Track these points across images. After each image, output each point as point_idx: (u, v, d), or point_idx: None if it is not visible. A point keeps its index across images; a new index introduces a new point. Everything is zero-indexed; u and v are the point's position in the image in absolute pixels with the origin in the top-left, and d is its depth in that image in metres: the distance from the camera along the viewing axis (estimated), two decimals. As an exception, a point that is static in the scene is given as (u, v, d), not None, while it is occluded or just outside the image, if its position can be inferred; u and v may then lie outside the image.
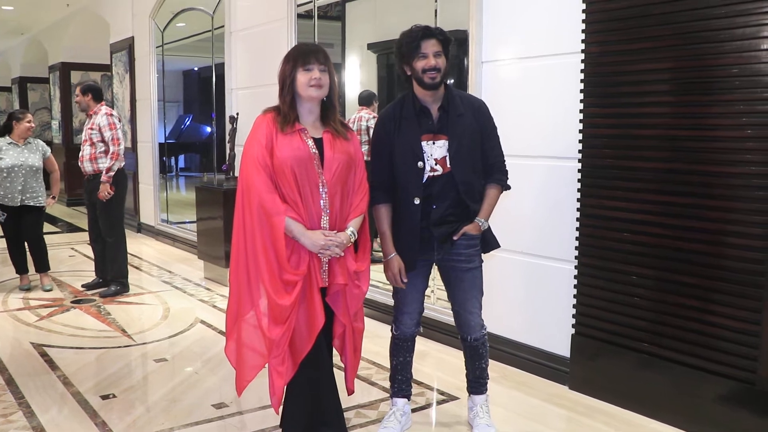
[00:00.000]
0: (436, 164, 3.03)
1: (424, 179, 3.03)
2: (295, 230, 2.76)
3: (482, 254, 3.19)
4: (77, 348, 4.57)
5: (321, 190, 2.81)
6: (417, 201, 3.03)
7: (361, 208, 2.94)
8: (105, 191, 5.71)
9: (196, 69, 13.88)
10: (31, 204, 5.87)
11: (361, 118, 5.71)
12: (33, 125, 5.99)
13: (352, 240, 2.89)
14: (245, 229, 2.81)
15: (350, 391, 3.17)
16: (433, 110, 3.04)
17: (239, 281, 2.85)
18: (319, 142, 2.84)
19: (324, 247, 2.78)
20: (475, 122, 3.07)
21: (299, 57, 2.85)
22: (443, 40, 2.98)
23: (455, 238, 3.06)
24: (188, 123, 14.80)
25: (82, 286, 6.14)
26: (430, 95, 3.02)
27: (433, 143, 3.03)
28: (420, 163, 3.02)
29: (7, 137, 5.90)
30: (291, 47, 3.25)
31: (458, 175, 3.02)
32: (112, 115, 5.83)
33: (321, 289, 2.85)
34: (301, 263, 2.79)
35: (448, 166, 3.02)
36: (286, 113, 2.83)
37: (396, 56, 3.06)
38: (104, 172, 5.71)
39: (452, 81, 4.51)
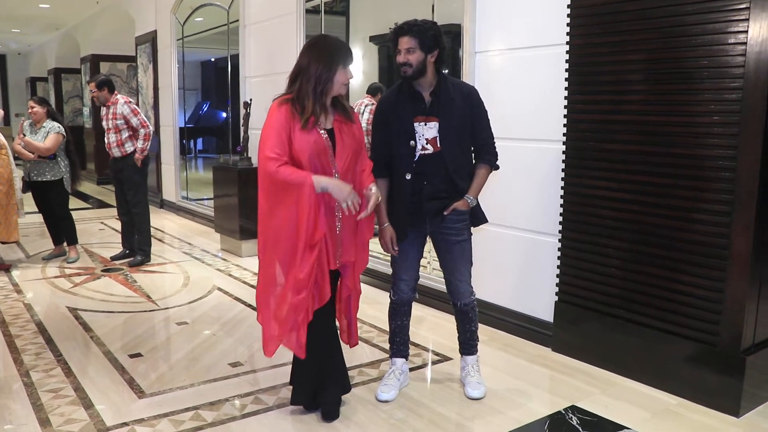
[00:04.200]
0: (427, 144, 3.03)
1: (416, 157, 3.04)
2: (323, 181, 2.66)
3: (471, 228, 3.20)
4: (107, 312, 4.59)
5: (334, 176, 2.76)
6: (408, 176, 3.04)
7: (371, 178, 2.92)
8: (139, 163, 5.85)
9: (213, 59, 13.79)
10: (38, 180, 5.84)
11: (362, 103, 5.72)
12: (32, 110, 5.83)
13: (379, 198, 2.87)
14: (269, 211, 2.72)
15: (356, 344, 3.13)
16: (425, 95, 3.04)
17: (265, 259, 2.79)
18: (330, 133, 2.78)
19: (349, 194, 2.70)
20: (465, 106, 3.06)
21: (343, 56, 2.74)
22: (418, 35, 2.93)
23: (445, 213, 3.07)
24: (206, 109, 14.73)
25: (111, 257, 6.17)
26: (419, 83, 3.02)
27: (425, 124, 3.03)
28: (412, 142, 3.03)
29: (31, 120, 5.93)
30: (324, 41, 2.84)
31: (447, 154, 3.03)
32: (130, 102, 5.87)
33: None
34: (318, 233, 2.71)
35: (438, 145, 3.03)
36: (312, 110, 2.70)
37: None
38: (139, 151, 5.82)
39: (447, 71, 4.49)
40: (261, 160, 2.70)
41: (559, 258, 3.76)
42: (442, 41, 3.01)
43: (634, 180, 3.35)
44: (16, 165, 5.81)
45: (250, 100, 6.60)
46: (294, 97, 2.74)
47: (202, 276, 5.63)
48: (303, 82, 2.73)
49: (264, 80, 6.77)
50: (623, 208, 3.41)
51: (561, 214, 3.73)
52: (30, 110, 5.86)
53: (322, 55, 2.73)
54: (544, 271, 3.91)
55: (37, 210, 6.19)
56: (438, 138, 3.03)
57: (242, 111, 6.68)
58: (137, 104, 6.00)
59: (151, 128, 5.96)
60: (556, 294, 3.80)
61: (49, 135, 5.77)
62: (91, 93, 5.86)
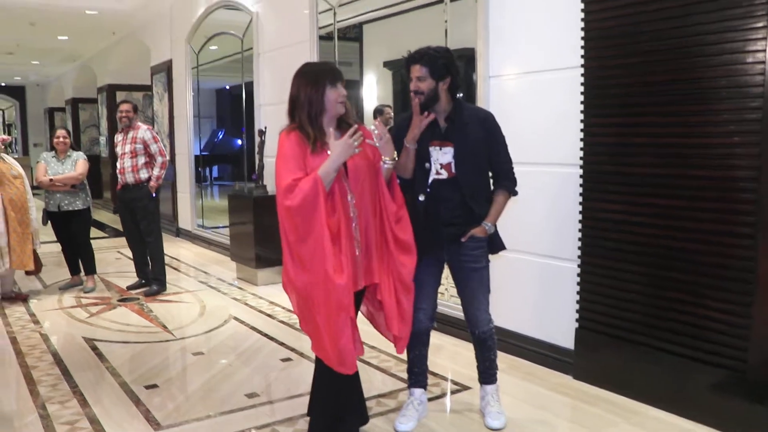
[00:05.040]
0: (441, 168, 3.04)
1: (429, 181, 3.04)
2: (327, 164, 2.63)
3: (489, 255, 3.18)
4: (123, 342, 4.60)
5: (349, 199, 2.74)
6: (422, 198, 3.04)
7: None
8: (154, 191, 5.93)
9: (227, 87, 13.98)
10: (70, 209, 5.93)
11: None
12: (62, 140, 5.96)
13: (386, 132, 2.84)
14: (291, 247, 2.68)
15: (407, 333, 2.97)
16: (441, 120, 3.05)
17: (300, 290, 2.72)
18: None
19: (347, 144, 2.64)
20: (481, 132, 3.06)
21: (328, 75, 2.76)
22: (428, 63, 2.96)
23: (463, 240, 3.05)
24: (221, 136, 14.89)
25: (127, 287, 6.19)
26: (434, 108, 3.03)
27: (440, 149, 3.04)
28: (426, 165, 3.04)
29: (53, 152, 6.02)
30: (307, 66, 2.89)
31: (462, 180, 3.03)
32: (152, 128, 5.96)
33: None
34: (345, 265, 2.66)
35: (453, 171, 3.03)
36: (316, 135, 2.70)
37: None
38: (155, 179, 5.89)
39: (461, 95, 4.50)
40: (277, 196, 2.69)
41: (578, 284, 3.71)
42: (455, 68, 3.02)
43: (654, 203, 3.31)
44: (34, 195, 5.87)
45: (265, 127, 6.64)
46: (298, 126, 2.76)
47: (218, 305, 5.62)
48: (299, 110, 2.76)
49: (278, 108, 6.78)
50: (643, 232, 3.37)
51: (580, 239, 3.69)
52: (63, 140, 5.98)
53: (308, 79, 2.77)
54: (563, 297, 3.86)
55: (55, 239, 6.24)
56: (453, 164, 3.02)
57: (257, 139, 6.72)
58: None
59: (168, 157, 6.03)
60: (577, 320, 3.75)
61: (78, 161, 5.97)
62: (125, 113, 5.91)
